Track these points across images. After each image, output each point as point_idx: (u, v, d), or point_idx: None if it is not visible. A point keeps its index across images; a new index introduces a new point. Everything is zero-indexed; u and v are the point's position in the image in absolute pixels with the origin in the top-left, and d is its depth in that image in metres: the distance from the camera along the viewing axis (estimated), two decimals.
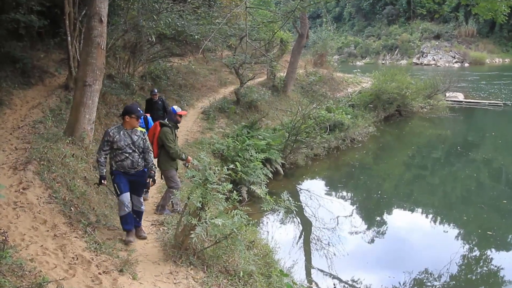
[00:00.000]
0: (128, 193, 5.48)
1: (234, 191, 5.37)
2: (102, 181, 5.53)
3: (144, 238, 5.76)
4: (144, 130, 5.68)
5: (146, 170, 5.66)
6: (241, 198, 8.76)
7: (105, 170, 5.51)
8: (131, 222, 5.54)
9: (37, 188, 6.19)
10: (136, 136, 5.47)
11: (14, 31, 11.16)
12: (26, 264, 4.34)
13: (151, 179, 5.78)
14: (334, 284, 7.39)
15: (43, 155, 7.04)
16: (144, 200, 6.04)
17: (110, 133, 5.37)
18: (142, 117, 8.31)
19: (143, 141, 5.54)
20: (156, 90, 10.77)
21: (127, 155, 5.38)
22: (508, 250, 9.02)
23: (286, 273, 6.05)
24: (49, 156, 7.05)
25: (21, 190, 6.08)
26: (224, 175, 5.41)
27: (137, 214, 5.68)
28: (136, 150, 5.45)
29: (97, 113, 8.84)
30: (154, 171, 5.79)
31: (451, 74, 27.05)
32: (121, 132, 5.41)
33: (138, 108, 5.52)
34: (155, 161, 6.31)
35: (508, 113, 22.99)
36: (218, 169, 5.38)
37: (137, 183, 5.59)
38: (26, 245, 4.84)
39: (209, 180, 5.11)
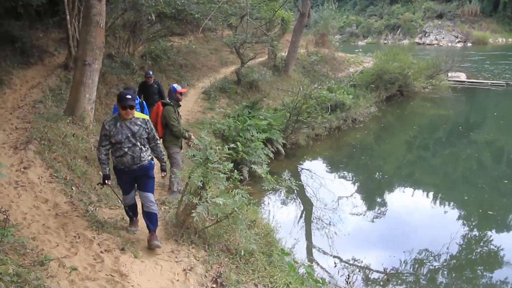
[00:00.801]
0: (132, 195, 5.11)
1: (235, 171, 5.35)
2: (106, 181, 4.99)
3: (157, 246, 4.84)
4: (147, 117, 4.97)
5: (153, 162, 5.00)
6: (242, 177, 8.83)
7: (108, 168, 4.96)
8: (130, 212, 5.23)
9: (38, 168, 6.20)
10: (136, 127, 4.72)
11: (12, 10, 11.04)
12: (28, 243, 4.36)
13: (164, 172, 5.30)
14: (335, 263, 7.44)
15: (44, 135, 7.04)
16: None
17: (106, 126, 4.68)
18: (138, 103, 8.20)
19: (146, 131, 4.80)
20: (151, 72, 9.65)
21: (126, 149, 4.68)
22: (509, 230, 9.07)
23: (287, 252, 6.07)
24: (49, 135, 7.06)
25: (22, 169, 6.10)
26: (225, 155, 5.37)
27: (148, 216, 4.90)
28: (138, 142, 4.73)
29: (97, 93, 8.81)
30: (165, 162, 5.25)
31: (453, 54, 26.80)
32: (118, 124, 4.68)
33: (128, 96, 4.63)
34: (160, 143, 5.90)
35: (510, 93, 22.83)
36: (219, 149, 5.35)
37: (142, 176, 4.89)
38: (28, 224, 4.87)
39: (210, 159, 5.09)
